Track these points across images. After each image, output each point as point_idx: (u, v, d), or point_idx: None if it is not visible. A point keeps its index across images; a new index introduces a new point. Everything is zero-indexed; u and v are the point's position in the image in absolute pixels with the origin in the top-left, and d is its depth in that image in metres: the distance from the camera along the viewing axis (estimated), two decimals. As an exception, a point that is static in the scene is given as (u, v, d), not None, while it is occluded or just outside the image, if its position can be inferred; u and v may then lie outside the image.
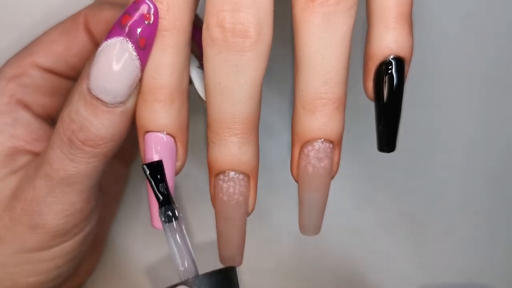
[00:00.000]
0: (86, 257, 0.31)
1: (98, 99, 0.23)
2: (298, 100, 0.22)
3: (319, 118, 0.22)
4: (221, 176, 0.23)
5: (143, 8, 0.21)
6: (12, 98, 0.27)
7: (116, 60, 0.22)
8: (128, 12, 0.22)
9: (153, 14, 0.21)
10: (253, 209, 0.24)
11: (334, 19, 0.21)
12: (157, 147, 0.23)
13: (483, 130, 0.36)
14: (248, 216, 0.25)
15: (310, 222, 0.24)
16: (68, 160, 0.24)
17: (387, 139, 0.23)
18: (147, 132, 0.23)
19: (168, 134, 0.23)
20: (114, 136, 0.24)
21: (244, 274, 0.36)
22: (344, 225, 0.37)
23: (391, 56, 0.22)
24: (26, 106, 0.27)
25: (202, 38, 0.21)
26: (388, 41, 0.22)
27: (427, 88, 0.35)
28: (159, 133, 0.23)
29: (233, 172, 0.23)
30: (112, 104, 0.23)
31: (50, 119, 0.28)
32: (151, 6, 0.21)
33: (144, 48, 0.22)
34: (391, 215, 0.37)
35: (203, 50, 0.21)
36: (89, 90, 0.23)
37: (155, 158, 0.23)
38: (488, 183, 0.37)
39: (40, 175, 0.25)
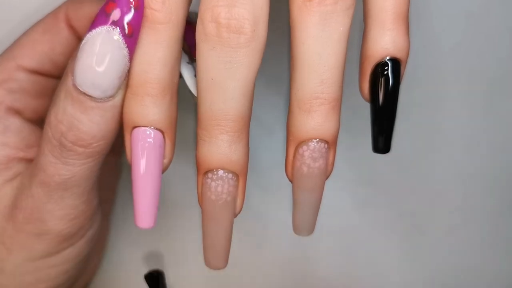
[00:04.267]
0: (91, 256, 0.32)
1: (86, 94, 0.23)
2: (294, 99, 0.23)
3: (315, 118, 0.23)
4: (210, 175, 0.24)
5: None
6: (1, 105, 0.28)
7: (103, 51, 0.23)
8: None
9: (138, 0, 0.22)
10: (240, 209, 0.26)
11: (331, 18, 0.22)
12: (144, 143, 0.24)
13: (483, 130, 0.37)
14: (235, 217, 0.26)
15: (304, 222, 0.26)
16: (61, 164, 0.25)
17: (382, 141, 0.24)
18: (135, 127, 0.24)
19: (157, 129, 0.24)
20: (106, 133, 0.24)
21: (242, 274, 0.37)
22: (343, 225, 0.38)
23: (388, 57, 0.23)
24: (17, 112, 0.28)
25: (196, 33, 0.22)
26: (385, 42, 0.23)
27: (427, 88, 0.36)
28: (147, 129, 0.24)
29: (222, 171, 0.24)
30: (101, 98, 0.23)
31: (43, 122, 0.28)
32: None
33: (131, 36, 0.23)
34: (390, 215, 0.38)
35: (197, 45, 0.23)
36: (75, 87, 0.23)
37: (141, 157, 0.24)
38: (488, 183, 0.38)
39: (35, 183, 0.26)
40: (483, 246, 0.38)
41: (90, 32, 0.23)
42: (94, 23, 0.23)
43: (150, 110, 0.23)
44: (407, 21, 0.23)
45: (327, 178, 0.25)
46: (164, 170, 0.25)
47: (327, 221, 0.37)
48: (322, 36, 0.22)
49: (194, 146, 0.25)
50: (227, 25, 0.22)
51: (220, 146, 0.24)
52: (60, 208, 0.26)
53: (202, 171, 0.24)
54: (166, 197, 0.37)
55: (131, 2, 0.22)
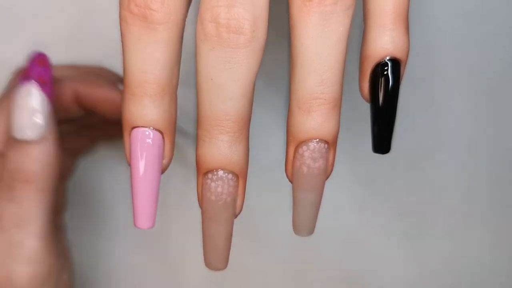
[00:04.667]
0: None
1: (23, 140, 0.28)
2: (294, 99, 0.23)
3: (315, 118, 0.23)
4: (210, 175, 0.24)
5: (38, 57, 0.29)
6: None
7: (26, 100, 0.28)
8: (27, 66, 0.29)
9: (45, 59, 0.29)
10: (240, 210, 0.26)
11: (331, 19, 0.22)
12: (143, 144, 0.24)
13: (483, 130, 0.37)
14: (235, 217, 0.26)
15: (304, 223, 0.26)
16: (14, 203, 0.29)
17: (382, 141, 0.24)
18: (134, 128, 0.24)
19: (156, 130, 0.24)
20: (48, 167, 0.29)
21: (242, 274, 0.38)
22: (343, 225, 0.38)
23: (387, 57, 0.23)
24: None
25: (196, 33, 0.23)
26: (385, 42, 0.23)
27: (427, 88, 0.36)
28: (146, 130, 0.24)
29: (222, 171, 0.24)
30: (35, 138, 0.28)
31: None
32: (43, 54, 0.29)
33: (45, 84, 0.28)
34: (390, 215, 0.38)
35: (196, 46, 0.23)
36: (13, 137, 0.28)
37: (140, 157, 0.24)
38: (488, 183, 0.38)
39: None
40: (483, 246, 0.39)
41: (14, 91, 0.28)
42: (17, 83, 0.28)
43: (149, 111, 0.24)
44: (407, 21, 0.23)
45: (327, 178, 0.25)
46: (163, 170, 0.25)
47: (327, 221, 0.37)
48: (322, 36, 0.22)
49: (194, 146, 0.25)
50: (226, 25, 0.22)
51: (220, 146, 0.24)
52: (22, 252, 0.29)
53: (202, 172, 0.25)
54: (166, 197, 0.37)
55: (40, 62, 0.29)
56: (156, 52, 0.23)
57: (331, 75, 0.23)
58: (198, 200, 0.25)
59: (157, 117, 0.24)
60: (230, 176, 0.24)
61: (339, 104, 0.24)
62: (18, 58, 0.32)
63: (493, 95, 0.37)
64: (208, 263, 0.26)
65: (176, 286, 0.38)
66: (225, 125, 0.23)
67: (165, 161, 0.25)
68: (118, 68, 0.32)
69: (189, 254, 0.38)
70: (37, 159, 0.28)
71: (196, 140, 0.24)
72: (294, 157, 0.24)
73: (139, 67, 0.23)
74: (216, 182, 0.24)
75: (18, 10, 0.34)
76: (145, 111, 0.24)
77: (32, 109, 0.28)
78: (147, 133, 0.24)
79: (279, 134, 0.36)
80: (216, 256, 0.26)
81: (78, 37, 0.35)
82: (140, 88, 0.23)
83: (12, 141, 0.29)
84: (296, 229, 0.26)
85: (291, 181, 0.25)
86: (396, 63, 0.23)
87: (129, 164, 0.25)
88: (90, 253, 0.39)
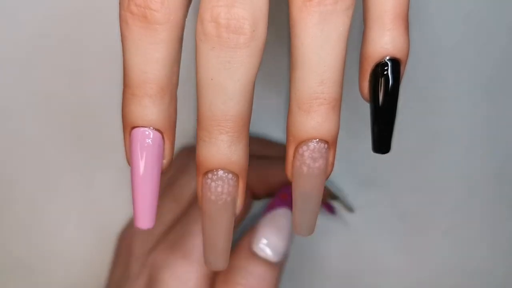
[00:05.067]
0: None
1: (264, 259, 0.31)
2: (294, 99, 0.23)
3: (315, 118, 0.23)
4: (210, 175, 0.24)
5: None
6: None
7: (282, 224, 0.30)
8: (286, 191, 0.31)
9: None
10: (240, 210, 0.26)
11: (331, 18, 0.22)
12: (144, 144, 0.24)
13: (483, 130, 0.38)
14: (235, 217, 0.26)
15: (304, 222, 0.26)
16: None
17: (382, 141, 0.24)
18: (134, 128, 0.24)
19: (156, 130, 0.24)
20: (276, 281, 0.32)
21: None
22: (343, 225, 0.38)
23: (387, 57, 0.23)
24: None
25: (195, 33, 0.23)
26: (384, 42, 0.23)
27: (426, 88, 0.36)
28: (146, 130, 0.24)
29: (222, 171, 0.24)
30: (276, 260, 0.31)
31: None
32: None
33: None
34: (390, 215, 0.38)
35: (196, 46, 0.23)
36: (254, 253, 0.31)
37: (140, 157, 0.24)
38: (489, 182, 0.38)
39: None
40: (483, 246, 0.39)
41: (271, 211, 0.31)
42: (272, 205, 0.31)
43: (149, 111, 0.24)
44: (407, 21, 0.23)
45: (327, 178, 0.25)
46: (163, 170, 0.25)
47: (327, 221, 0.38)
48: (322, 36, 0.22)
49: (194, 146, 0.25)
50: (226, 25, 0.22)
51: (220, 146, 0.24)
52: None
53: (202, 172, 0.25)
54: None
55: None
56: (156, 52, 0.23)
57: (331, 75, 0.23)
58: (198, 200, 0.25)
59: (157, 117, 0.24)
60: (230, 176, 0.24)
61: (339, 104, 0.24)
62: (17, 57, 0.32)
63: (493, 95, 0.37)
64: (207, 263, 0.26)
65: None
66: (225, 125, 0.23)
67: (165, 161, 0.25)
68: (118, 68, 0.32)
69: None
70: (269, 283, 0.31)
71: (196, 140, 0.24)
72: (294, 157, 0.24)
73: (139, 67, 0.23)
74: (216, 182, 0.24)
75: (17, 9, 0.34)
76: (145, 111, 0.24)
77: (283, 236, 0.31)
78: (147, 133, 0.24)
79: (279, 134, 0.37)
80: (216, 255, 0.26)
81: (78, 37, 0.35)
82: (141, 88, 0.23)
83: (252, 256, 0.31)
84: (296, 229, 0.26)
85: (291, 181, 0.25)
86: (396, 63, 0.23)
87: (129, 164, 0.25)
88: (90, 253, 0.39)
